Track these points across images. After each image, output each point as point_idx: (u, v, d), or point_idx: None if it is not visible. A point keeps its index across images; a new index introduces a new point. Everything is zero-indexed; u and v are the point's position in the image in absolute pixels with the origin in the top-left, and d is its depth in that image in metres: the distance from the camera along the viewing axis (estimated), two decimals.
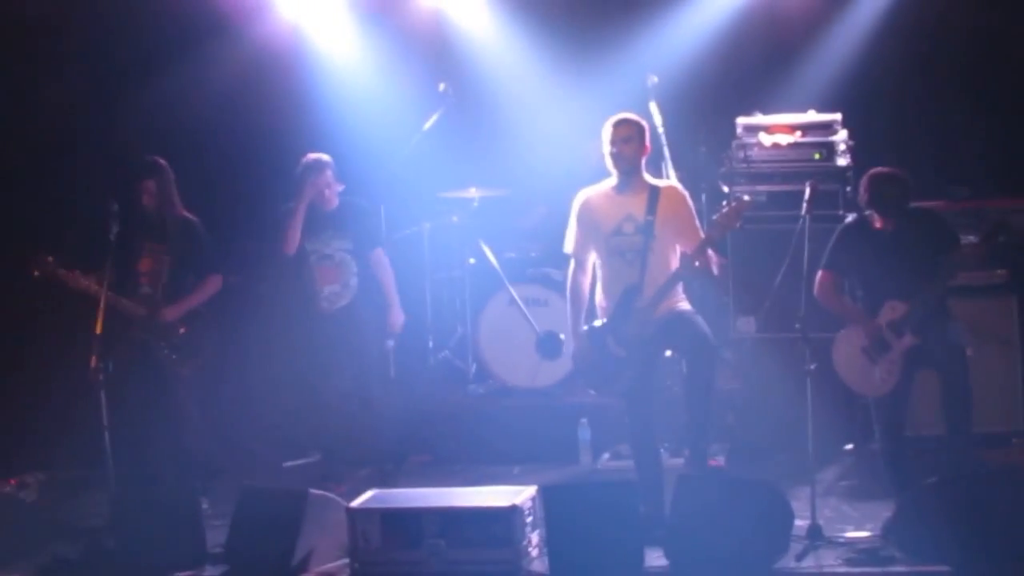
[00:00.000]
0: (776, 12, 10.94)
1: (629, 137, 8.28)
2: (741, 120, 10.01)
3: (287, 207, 9.41)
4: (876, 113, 10.57)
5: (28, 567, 8.29)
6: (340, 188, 9.57)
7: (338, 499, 8.22)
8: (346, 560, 7.99)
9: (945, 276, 8.28)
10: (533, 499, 7.98)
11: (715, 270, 8.31)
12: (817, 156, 9.82)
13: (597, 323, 8.36)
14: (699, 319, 8.27)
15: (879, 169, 8.50)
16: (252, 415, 10.60)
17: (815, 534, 7.89)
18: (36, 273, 8.96)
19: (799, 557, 7.72)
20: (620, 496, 7.75)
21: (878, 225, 8.42)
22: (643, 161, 8.37)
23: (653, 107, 9.65)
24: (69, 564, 8.26)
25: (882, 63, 10.72)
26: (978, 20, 10.56)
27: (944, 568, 7.41)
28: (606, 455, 9.86)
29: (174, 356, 9.09)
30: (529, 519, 7.90)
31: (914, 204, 8.53)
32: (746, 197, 8.36)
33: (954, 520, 7.41)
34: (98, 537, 8.45)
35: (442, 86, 10.62)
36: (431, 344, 11.00)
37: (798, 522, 7.86)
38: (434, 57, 11.34)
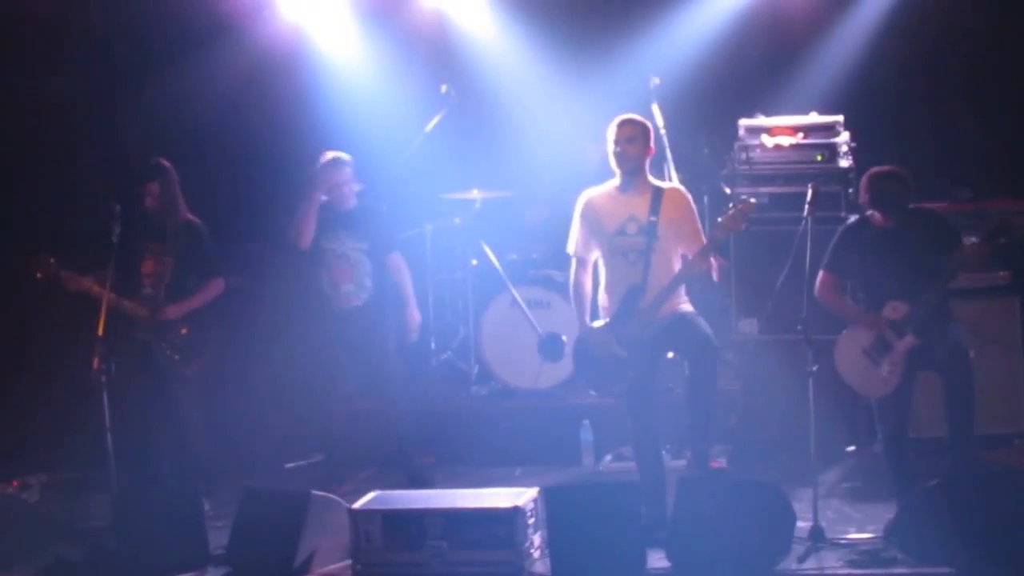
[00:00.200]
0: (778, 14, 10.95)
1: (633, 137, 8.29)
2: (743, 122, 10.01)
3: (303, 192, 9.41)
4: (878, 115, 10.57)
5: (30, 568, 8.29)
6: (359, 188, 9.56)
7: (340, 500, 8.22)
8: (348, 561, 7.99)
9: (947, 276, 8.28)
10: (535, 500, 7.98)
11: (715, 275, 8.30)
12: (819, 158, 9.82)
13: (599, 323, 8.36)
14: (701, 320, 8.27)
15: (879, 167, 8.49)
16: (254, 416, 10.59)
17: (817, 536, 7.89)
18: (38, 274, 8.96)
19: (801, 559, 7.72)
20: (622, 498, 7.75)
21: (880, 225, 8.40)
22: (647, 162, 8.37)
23: (655, 109, 9.64)
24: (71, 565, 8.26)
25: (884, 65, 10.73)
26: (980, 22, 10.56)
27: (946, 570, 7.41)
28: (608, 457, 9.86)
29: (176, 357, 9.08)
30: (531, 520, 7.90)
31: (916, 205, 8.52)
32: (752, 199, 8.34)
33: (956, 522, 7.41)
34: (100, 538, 8.46)
35: (444, 87, 10.62)
36: (433, 345, 11.00)
37: (800, 524, 7.87)
38: (436, 58, 11.35)
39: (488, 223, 10.87)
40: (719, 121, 10.37)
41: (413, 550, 7.83)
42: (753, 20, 10.91)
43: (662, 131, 9.60)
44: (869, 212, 8.45)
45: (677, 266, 8.24)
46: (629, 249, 8.27)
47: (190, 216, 9.24)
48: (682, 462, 9.13)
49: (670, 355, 8.85)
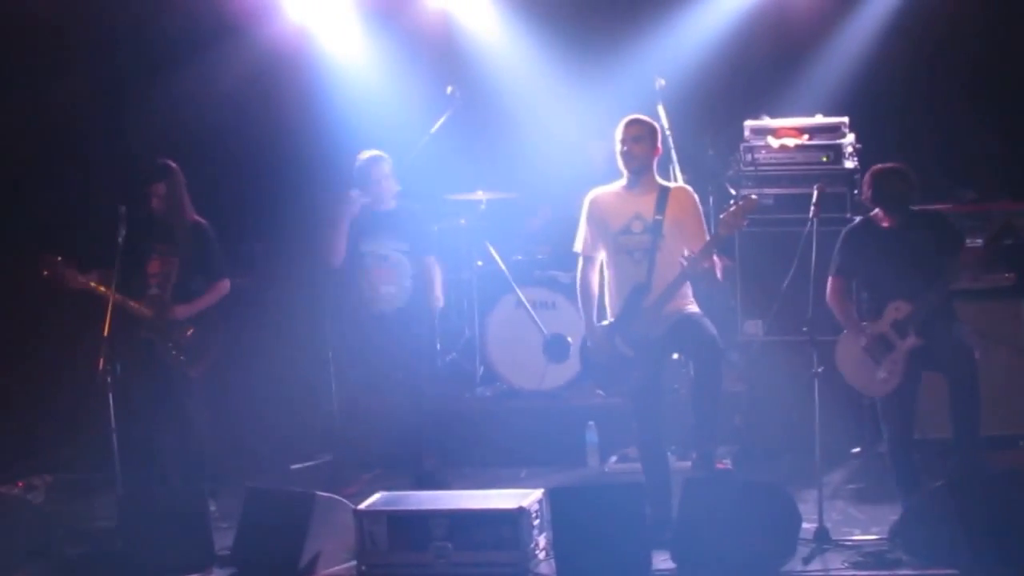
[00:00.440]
0: (783, 15, 10.94)
1: (640, 136, 8.29)
2: (748, 123, 10.01)
3: (329, 215, 9.42)
4: (883, 116, 10.57)
5: (36, 569, 8.30)
6: (397, 189, 9.59)
7: (345, 501, 8.22)
8: (353, 562, 8.00)
9: (950, 278, 8.28)
10: (540, 501, 8.00)
11: (719, 274, 8.30)
12: (824, 159, 9.81)
13: (605, 322, 8.37)
14: (706, 321, 8.26)
15: (883, 164, 8.48)
16: (260, 417, 10.60)
17: (822, 537, 7.90)
18: (45, 272, 8.96)
19: (806, 560, 7.73)
20: (627, 499, 7.76)
21: (883, 224, 8.40)
22: (655, 162, 8.37)
23: (660, 110, 9.64)
24: (76, 566, 8.28)
25: (889, 66, 10.73)
26: (984, 23, 10.56)
27: (952, 571, 7.41)
28: (613, 458, 9.86)
29: (182, 358, 9.08)
30: (536, 521, 7.91)
31: (920, 207, 8.52)
32: (753, 195, 8.35)
33: (962, 523, 7.42)
34: (105, 539, 8.46)
35: (449, 89, 10.61)
36: (439, 346, 10.99)
37: (805, 525, 7.87)
38: (441, 59, 11.35)
39: (493, 224, 10.87)
40: (724, 122, 10.38)
41: (418, 551, 7.85)
42: (758, 22, 10.91)
43: (667, 132, 9.60)
44: (872, 213, 8.45)
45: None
46: (634, 248, 8.27)
47: (196, 217, 9.24)
48: (687, 463, 9.13)
49: (675, 356, 8.86)
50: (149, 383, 9.06)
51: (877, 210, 8.42)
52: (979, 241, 9.04)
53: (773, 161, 9.87)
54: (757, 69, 10.93)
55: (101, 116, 11.00)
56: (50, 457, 10.07)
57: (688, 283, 8.24)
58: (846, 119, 9.94)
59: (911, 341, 8.20)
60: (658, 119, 9.28)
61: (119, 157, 10.73)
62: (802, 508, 7.88)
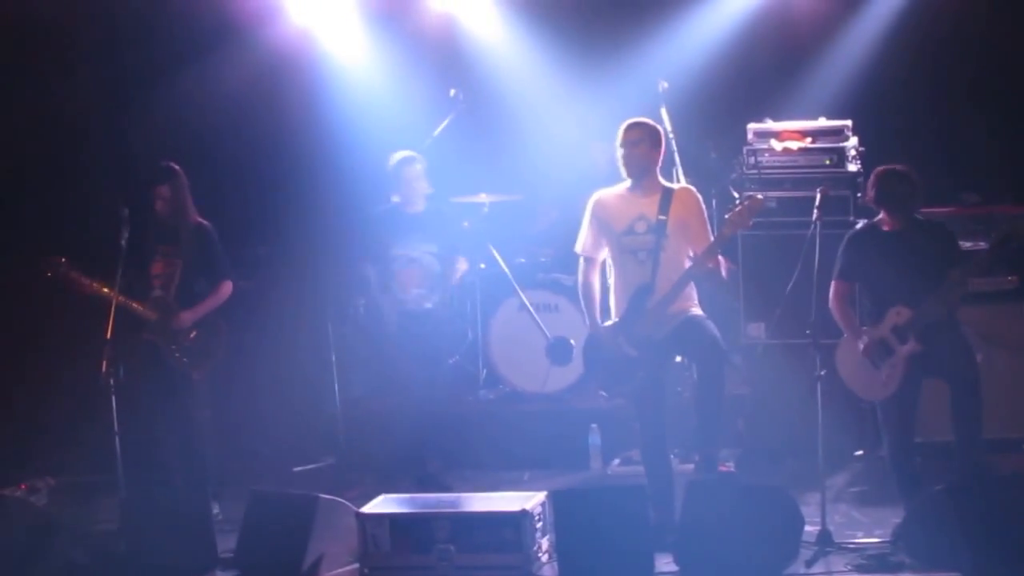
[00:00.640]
0: (786, 18, 10.95)
1: (638, 140, 8.28)
2: (752, 126, 10.01)
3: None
4: (886, 119, 10.57)
5: (38, 572, 8.28)
6: (429, 191, 9.63)
7: (348, 504, 8.22)
8: (356, 565, 8.00)
9: (956, 290, 8.19)
10: (543, 504, 7.99)
11: (724, 273, 8.31)
12: (827, 162, 9.82)
13: (608, 323, 8.36)
14: (710, 324, 8.26)
15: (887, 166, 8.46)
16: (263, 419, 10.60)
17: (825, 540, 7.90)
18: (48, 274, 8.97)
19: (809, 563, 7.73)
20: (630, 501, 7.76)
21: (886, 227, 8.38)
22: (658, 164, 8.36)
23: (664, 113, 9.64)
24: (79, 569, 8.26)
25: (892, 69, 10.72)
26: (988, 27, 10.55)
27: (954, 575, 7.40)
28: (616, 460, 9.87)
29: (185, 360, 9.08)
30: (539, 524, 7.91)
31: (923, 215, 8.49)
32: (759, 195, 8.34)
33: (964, 526, 7.41)
34: (108, 542, 8.44)
35: (453, 91, 10.63)
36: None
37: (808, 528, 7.87)
38: (445, 62, 11.35)
39: (496, 227, 10.87)
40: (728, 125, 10.37)
41: (421, 554, 7.84)
42: (762, 25, 10.91)
43: (671, 135, 9.60)
44: (877, 218, 8.44)
45: (686, 266, 8.23)
46: (638, 248, 8.27)
47: (200, 219, 9.24)
48: (690, 466, 9.15)
49: (678, 359, 8.86)
50: (152, 386, 9.06)
51: (881, 214, 8.42)
52: (983, 244, 9.03)
53: (776, 164, 9.87)
54: (760, 72, 10.94)
55: (104, 118, 11.00)
56: (53, 460, 10.07)
57: (692, 285, 8.25)
58: (849, 122, 9.94)
59: (911, 346, 8.18)
60: (661, 122, 9.29)
61: (122, 159, 10.74)
62: (805, 511, 7.88)
